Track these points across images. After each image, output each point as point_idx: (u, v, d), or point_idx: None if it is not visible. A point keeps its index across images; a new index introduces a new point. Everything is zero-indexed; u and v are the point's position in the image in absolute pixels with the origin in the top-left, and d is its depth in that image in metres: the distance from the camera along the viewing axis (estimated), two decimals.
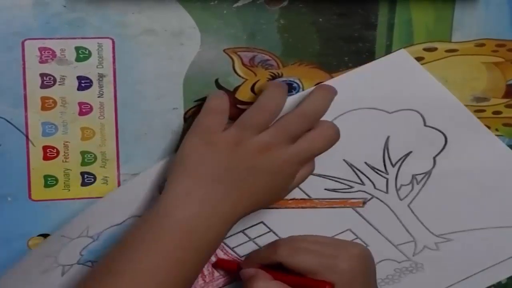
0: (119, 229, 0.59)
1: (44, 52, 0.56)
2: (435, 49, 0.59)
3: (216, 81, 0.58)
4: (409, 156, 0.61)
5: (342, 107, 0.58)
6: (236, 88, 0.58)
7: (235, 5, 0.57)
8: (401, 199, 0.62)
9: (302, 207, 0.62)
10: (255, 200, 0.55)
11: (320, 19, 0.58)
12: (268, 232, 0.62)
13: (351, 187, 0.62)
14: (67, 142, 0.58)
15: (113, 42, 0.56)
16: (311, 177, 0.58)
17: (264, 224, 0.62)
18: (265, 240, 0.63)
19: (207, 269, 0.63)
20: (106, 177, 0.59)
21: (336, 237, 0.63)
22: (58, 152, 0.58)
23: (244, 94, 0.59)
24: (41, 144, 0.57)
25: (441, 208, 0.63)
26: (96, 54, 0.56)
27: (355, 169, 0.61)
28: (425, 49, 0.59)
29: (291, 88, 0.59)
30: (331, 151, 0.57)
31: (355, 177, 0.61)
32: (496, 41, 0.60)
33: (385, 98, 0.59)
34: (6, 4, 0.54)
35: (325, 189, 0.62)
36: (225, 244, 0.62)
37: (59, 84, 0.56)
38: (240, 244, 0.63)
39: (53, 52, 0.56)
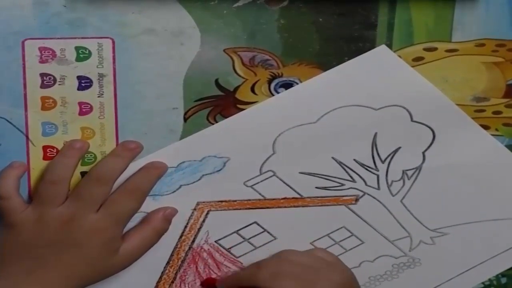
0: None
1: (44, 52, 0.56)
2: (435, 49, 0.59)
3: (216, 81, 0.58)
4: (398, 152, 0.61)
5: (328, 105, 0.59)
6: (236, 88, 0.58)
7: (235, 5, 0.57)
8: (393, 195, 0.62)
9: (294, 206, 0.62)
10: (71, 277, 0.54)
11: (320, 19, 0.58)
12: (263, 232, 0.62)
13: (342, 184, 0.62)
14: (67, 142, 0.58)
15: (113, 42, 0.56)
16: (300, 175, 0.59)
17: (258, 224, 0.62)
18: (261, 240, 0.63)
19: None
20: None
21: (331, 234, 0.63)
22: (58, 152, 0.58)
23: (244, 94, 0.59)
24: (41, 144, 0.57)
25: (434, 202, 0.63)
26: (96, 54, 0.56)
27: (344, 167, 0.61)
28: (425, 49, 0.59)
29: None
30: (319, 149, 0.57)
31: (345, 175, 0.61)
32: (496, 41, 0.60)
33: (371, 94, 0.59)
34: (6, 4, 0.54)
35: (316, 187, 0.61)
36: (220, 245, 0.62)
37: (59, 84, 0.56)
38: (235, 245, 0.63)
39: (53, 52, 0.56)
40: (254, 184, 0.61)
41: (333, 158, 0.61)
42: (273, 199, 0.61)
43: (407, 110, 0.59)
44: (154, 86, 0.57)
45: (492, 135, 0.62)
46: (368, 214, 0.63)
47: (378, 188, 0.62)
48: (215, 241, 0.62)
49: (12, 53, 0.55)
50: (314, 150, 0.58)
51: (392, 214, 0.63)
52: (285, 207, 0.62)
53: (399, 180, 0.62)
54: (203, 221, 0.61)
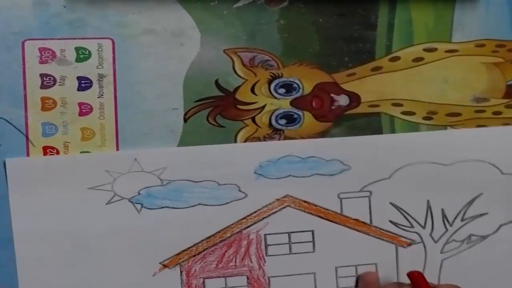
0: (191, 187, 0.59)
1: (44, 53, 0.56)
2: (435, 49, 0.59)
3: (216, 81, 0.58)
4: (482, 217, 0.62)
5: (459, 155, 0.61)
6: (236, 89, 0.58)
7: (235, 6, 0.57)
8: (441, 252, 0.62)
9: (357, 230, 0.62)
10: None
11: (320, 19, 0.58)
12: (309, 242, 0.62)
13: (412, 226, 0.62)
14: (67, 142, 0.58)
15: (113, 43, 0.56)
16: (388, 205, 0.60)
17: (312, 234, 0.62)
18: (300, 248, 0.62)
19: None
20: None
21: (359, 267, 0.63)
22: (58, 153, 0.58)
23: (244, 95, 0.59)
24: (41, 145, 0.57)
25: (469, 277, 0.63)
26: (96, 54, 0.56)
27: (429, 212, 0.61)
28: (425, 50, 0.59)
29: (291, 88, 0.59)
30: (424, 188, 0.59)
31: (423, 219, 0.62)
32: (496, 41, 0.60)
33: (502, 157, 0.61)
34: (6, 4, 0.54)
35: (390, 221, 0.62)
36: (264, 239, 0.62)
37: (59, 85, 0.56)
38: (276, 244, 0.62)
39: (53, 52, 0.56)
40: (346, 198, 0.61)
41: (427, 201, 0.61)
42: (347, 216, 0.61)
43: None
44: (154, 86, 0.57)
45: None
46: (406, 261, 0.63)
47: (436, 242, 0.62)
48: (264, 234, 0.62)
49: (12, 54, 0.55)
50: (420, 187, 0.59)
51: (425, 268, 0.63)
52: (348, 227, 0.62)
53: (459, 241, 0.62)
54: (274, 213, 0.61)
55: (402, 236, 0.62)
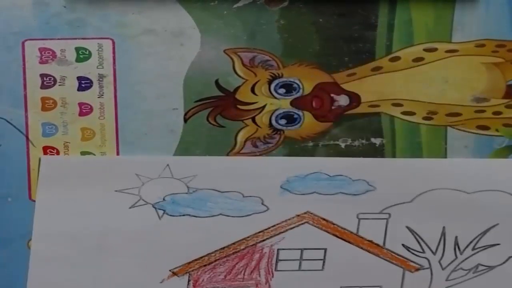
0: (216, 197, 0.59)
1: (44, 53, 0.56)
2: (435, 49, 0.59)
3: (216, 82, 0.58)
4: (493, 248, 0.61)
5: (484, 184, 0.60)
6: (236, 89, 0.58)
7: (235, 6, 0.57)
8: (446, 280, 0.62)
9: (369, 251, 0.62)
10: None
11: (320, 19, 0.58)
12: (320, 260, 0.62)
13: (423, 251, 0.62)
14: (67, 142, 0.58)
15: (113, 43, 0.56)
16: (403, 228, 0.60)
17: (324, 252, 0.62)
18: (309, 265, 0.62)
19: None
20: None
21: None
22: (58, 153, 0.58)
23: (244, 95, 0.59)
24: (41, 145, 0.57)
25: None
26: (96, 54, 0.56)
27: (443, 239, 0.61)
28: (425, 50, 0.59)
29: (291, 88, 0.59)
30: (443, 215, 0.59)
31: (435, 245, 0.61)
32: (496, 41, 0.60)
33: None
34: (6, 4, 0.54)
35: (403, 244, 0.61)
36: (277, 253, 0.61)
37: (59, 85, 0.56)
38: (287, 260, 0.61)
39: (53, 52, 0.56)
40: (364, 219, 0.61)
41: (443, 227, 0.61)
42: (361, 237, 0.61)
43: None
44: (154, 86, 0.57)
45: (492, 135, 0.62)
46: (410, 286, 0.62)
47: (443, 269, 0.62)
48: (277, 248, 0.62)
49: (12, 54, 0.55)
50: (439, 214, 0.59)
51: None
52: (361, 247, 0.62)
53: (466, 270, 0.62)
54: (292, 228, 0.61)
55: (411, 261, 0.62)
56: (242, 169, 0.59)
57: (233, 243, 0.61)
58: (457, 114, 0.61)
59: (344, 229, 0.61)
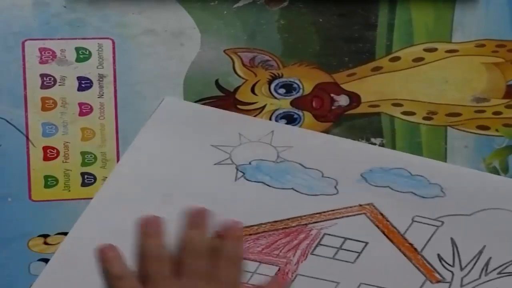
0: (297, 171, 0.59)
1: (44, 53, 0.56)
2: (435, 49, 0.59)
3: (216, 82, 0.58)
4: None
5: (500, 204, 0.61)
6: (236, 89, 0.58)
7: (235, 6, 0.57)
8: None
9: (404, 254, 0.61)
10: None
11: (320, 20, 0.58)
12: (356, 252, 0.61)
13: (453, 265, 0.61)
14: (67, 142, 0.58)
15: (113, 43, 0.56)
16: (447, 238, 0.60)
17: (364, 246, 0.61)
18: (343, 256, 0.61)
19: None
20: (106, 177, 0.59)
21: None
22: (58, 153, 0.58)
23: (244, 95, 0.59)
24: (41, 145, 0.57)
25: None
26: (96, 54, 0.56)
27: (477, 258, 0.61)
28: (426, 50, 0.59)
29: (291, 89, 0.59)
30: (490, 231, 0.60)
31: (467, 261, 0.61)
32: (496, 41, 0.60)
33: None
34: (6, 4, 0.54)
35: (438, 254, 0.61)
36: (321, 238, 0.60)
37: (59, 85, 0.56)
38: (325, 245, 0.61)
39: (53, 52, 0.56)
40: (419, 222, 0.60)
41: (484, 246, 0.61)
42: (405, 239, 0.61)
43: None
44: (154, 86, 0.57)
45: (492, 135, 0.62)
46: None
47: (461, 286, 0.62)
48: (325, 233, 0.61)
49: (12, 54, 0.55)
50: (487, 232, 0.59)
51: None
52: (399, 249, 0.61)
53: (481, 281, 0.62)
54: (348, 216, 0.60)
55: (436, 271, 0.62)
56: (337, 149, 0.59)
57: (287, 219, 0.60)
58: (457, 114, 0.61)
59: (394, 227, 0.61)
